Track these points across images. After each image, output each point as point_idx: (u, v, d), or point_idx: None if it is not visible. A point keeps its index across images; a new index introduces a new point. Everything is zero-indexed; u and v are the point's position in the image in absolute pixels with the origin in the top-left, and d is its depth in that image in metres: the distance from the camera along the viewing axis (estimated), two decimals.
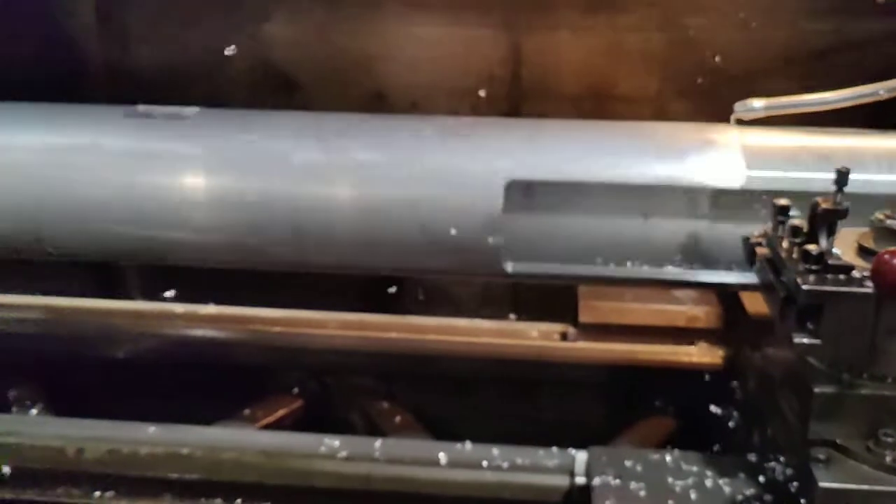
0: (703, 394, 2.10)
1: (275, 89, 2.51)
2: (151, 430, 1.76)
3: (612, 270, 1.91)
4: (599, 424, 2.28)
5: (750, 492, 1.54)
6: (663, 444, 2.01)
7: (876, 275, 1.36)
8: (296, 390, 2.38)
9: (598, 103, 2.43)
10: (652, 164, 1.91)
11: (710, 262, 1.88)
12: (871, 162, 1.88)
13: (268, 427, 2.25)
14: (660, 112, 2.39)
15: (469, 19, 2.43)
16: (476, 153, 1.95)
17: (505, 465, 1.66)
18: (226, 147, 2.01)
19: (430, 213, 1.92)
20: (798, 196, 1.60)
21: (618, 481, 1.58)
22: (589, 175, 1.89)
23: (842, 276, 1.42)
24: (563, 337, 2.25)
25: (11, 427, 1.80)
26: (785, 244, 1.54)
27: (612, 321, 2.22)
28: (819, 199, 1.50)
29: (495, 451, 1.68)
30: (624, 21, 2.38)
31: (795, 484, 1.46)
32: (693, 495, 1.54)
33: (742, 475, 1.58)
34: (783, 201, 1.61)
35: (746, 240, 1.67)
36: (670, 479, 1.58)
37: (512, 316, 2.38)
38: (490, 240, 1.89)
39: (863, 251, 1.49)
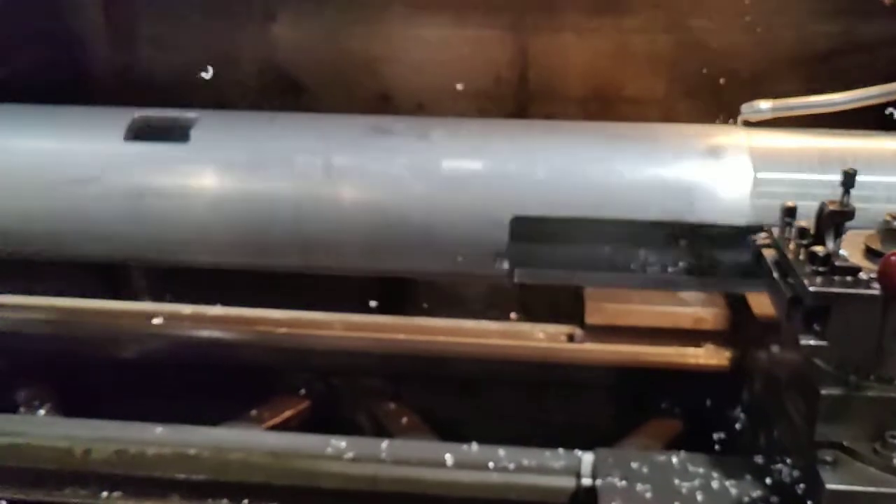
0: (709, 396, 2.10)
1: (281, 91, 2.52)
2: (158, 430, 1.76)
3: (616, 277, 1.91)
4: (606, 426, 2.28)
5: (756, 493, 1.54)
6: (670, 446, 2.01)
7: (882, 276, 1.36)
8: (303, 391, 2.39)
9: (604, 105, 2.43)
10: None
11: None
12: (879, 163, 1.88)
13: (274, 428, 2.25)
14: (667, 114, 2.39)
15: (476, 21, 2.43)
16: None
17: (511, 466, 1.66)
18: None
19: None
20: (805, 198, 1.60)
21: (624, 483, 1.58)
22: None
23: (849, 278, 1.42)
24: (570, 338, 2.25)
25: (19, 427, 1.81)
26: (792, 246, 1.54)
27: (619, 323, 2.22)
28: (826, 201, 1.50)
29: (501, 452, 1.68)
30: (630, 23, 2.38)
31: (802, 486, 1.46)
32: (699, 497, 1.54)
33: (748, 477, 1.58)
34: (790, 203, 1.61)
35: (753, 241, 1.67)
36: (677, 481, 1.58)
37: (515, 316, 2.38)
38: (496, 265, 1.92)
39: (870, 253, 1.49)
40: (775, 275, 1.55)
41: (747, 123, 2.03)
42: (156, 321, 2.33)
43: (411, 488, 1.66)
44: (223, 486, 1.69)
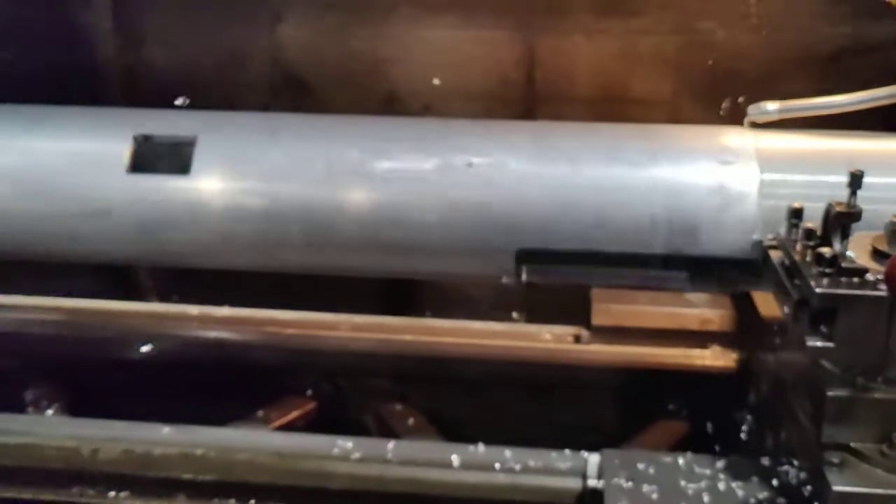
0: (716, 397, 2.10)
1: (288, 92, 2.52)
2: (166, 430, 1.77)
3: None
4: (612, 427, 2.28)
5: (763, 495, 1.54)
6: (676, 448, 2.01)
7: (889, 278, 1.36)
8: (309, 392, 2.39)
9: (612, 106, 2.43)
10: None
11: None
12: (887, 165, 1.88)
13: (281, 428, 2.26)
14: (674, 115, 2.38)
15: (483, 22, 2.43)
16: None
17: (517, 467, 1.66)
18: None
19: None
20: (812, 199, 1.60)
21: (630, 484, 1.58)
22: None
23: (855, 280, 1.41)
24: (577, 339, 2.25)
25: (27, 427, 1.82)
26: (798, 247, 1.54)
27: (626, 324, 2.22)
28: (833, 202, 1.50)
29: (508, 453, 1.68)
30: (638, 24, 2.37)
31: (809, 488, 1.46)
32: (706, 498, 1.54)
33: (755, 478, 1.58)
34: (797, 204, 1.61)
35: (760, 243, 1.67)
36: (683, 482, 1.58)
37: (517, 316, 2.38)
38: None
39: (877, 254, 1.49)
40: (782, 276, 1.55)
41: (754, 125, 2.03)
42: (164, 322, 2.33)
43: (417, 489, 1.66)
44: (230, 487, 1.69)
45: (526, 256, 1.91)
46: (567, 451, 1.67)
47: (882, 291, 1.38)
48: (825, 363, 1.45)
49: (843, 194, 1.52)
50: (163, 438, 1.75)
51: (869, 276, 1.42)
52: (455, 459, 1.68)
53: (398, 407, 2.38)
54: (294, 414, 2.33)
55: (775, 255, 1.63)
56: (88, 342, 2.36)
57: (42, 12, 2.48)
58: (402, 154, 1.98)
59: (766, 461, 1.62)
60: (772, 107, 2.00)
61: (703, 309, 2.21)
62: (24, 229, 2.04)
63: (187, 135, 2.02)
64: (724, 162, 1.90)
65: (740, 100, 2.15)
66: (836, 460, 1.40)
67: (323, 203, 1.95)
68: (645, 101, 2.42)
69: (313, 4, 2.47)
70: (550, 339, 2.27)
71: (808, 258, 1.49)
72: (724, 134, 1.98)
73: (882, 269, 1.39)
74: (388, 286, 2.54)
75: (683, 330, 2.20)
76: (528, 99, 2.46)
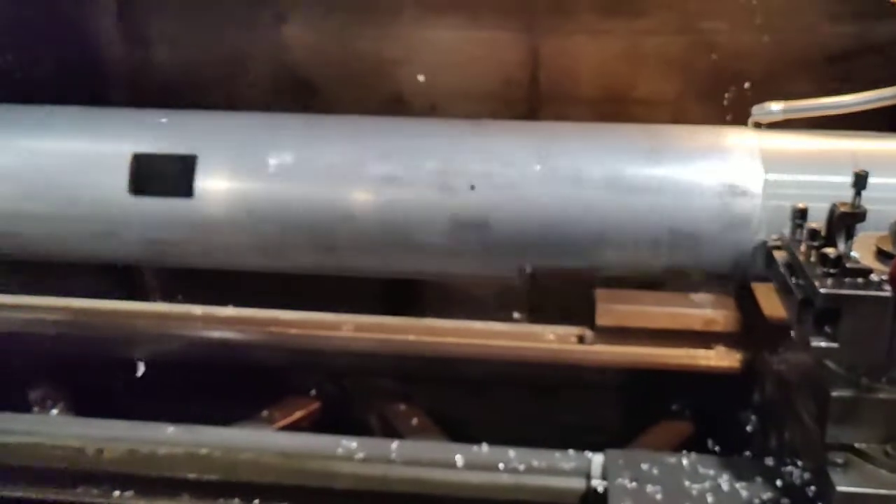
0: (720, 397, 2.10)
1: (294, 93, 2.52)
2: (170, 430, 1.77)
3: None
4: (616, 428, 2.28)
5: (767, 495, 1.53)
6: (680, 448, 2.00)
7: (893, 278, 1.36)
8: (313, 392, 2.39)
9: (616, 106, 2.43)
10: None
11: None
12: (891, 165, 1.88)
13: (285, 428, 2.26)
14: (678, 115, 2.38)
15: (487, 23, 2.43)
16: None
17: (521, 467, 1.66)
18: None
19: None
20: (816, 199, 1.60)
21: (634, 484, 1.57)
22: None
23: (860, 280, 1.41)
24: (580, 340, 2.24)
25: (32, 427, 1.82)
26: (803, 248, 1.54)
27: (630, 324, 2.21)
28: (837, 203, 1.50)
29: (511, 453, 1.68)
30: (642, 25, 2.38)
31: (812, 488, 1.46)
32: (710, 499, 1.54)
33: (759, 479, 1.57)
34: (801, 205, 1.61)
35: (764, 243, 1.67)
36: (687, 483, 1.58)
37: (519, 316, 2.38)
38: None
39: (881, 254, 1.48)
40: (786, 276, 1.54)
41: (758, 125, 2.02)
42: (168, 322, 2.34)
43: (421, 489, 1.66)
44: (234, 486, 1.69)
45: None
46: (571, 452, 1.67)
47: (886, 292, 1.38)
48: (829, 363, 1.45)
49: (848, 195, 1.52)
50: (167, 438, 1.75)
51: (873, 277, 1.42)
52: (459, 459, 1.68)
53: (402, 407, 2.37)
54: (298, 414, 2.32)
55: (779, 256, 1.63)
56: (92, 341, 2.37)
57: (48, 14, 2.49)
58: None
59: (770, 461, 1.62)
60: (776, 107, 2.00)
61: (707, 309, 2.20)
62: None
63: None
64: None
65: (746, 85, 2.16)
66: (839, 461, 1.40)
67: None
68: (649, 101, 2.42)
69: (318, 5, 2.47)
70: (554, 339, 2.26)
71: (813, 258, 1.49)
72: (728, 134, 1.98)
73: (886, 269, 1.39)
74: (389, 286, 2.55)
75: (688, 330, 2.19)
76: (531, 99, 2.47)
